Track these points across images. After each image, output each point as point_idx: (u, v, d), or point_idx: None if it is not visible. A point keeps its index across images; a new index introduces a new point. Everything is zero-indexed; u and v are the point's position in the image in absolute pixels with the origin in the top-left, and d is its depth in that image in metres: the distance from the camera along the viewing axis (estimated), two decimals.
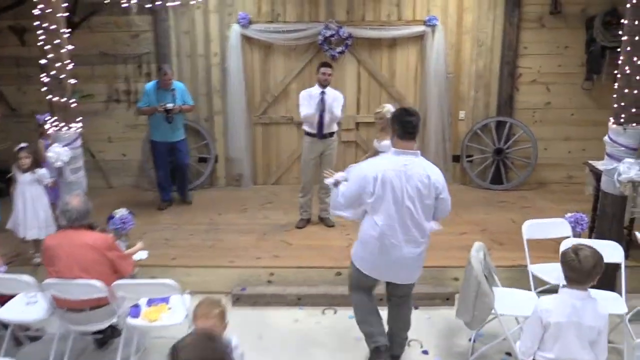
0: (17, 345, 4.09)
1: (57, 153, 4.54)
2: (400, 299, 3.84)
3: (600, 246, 3.79)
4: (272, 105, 7.42)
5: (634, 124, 4.31)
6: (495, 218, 6.20)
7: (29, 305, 3.81)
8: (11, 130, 7.03)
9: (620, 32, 4.53)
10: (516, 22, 7.04)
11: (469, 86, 7.32)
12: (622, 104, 4.32)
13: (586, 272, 2.69)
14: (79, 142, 4.83)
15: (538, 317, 2.83)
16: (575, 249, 2.74)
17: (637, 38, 4.18)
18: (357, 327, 4.25)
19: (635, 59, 4.19)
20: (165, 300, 3.81)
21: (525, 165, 7.35)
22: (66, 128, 4.65)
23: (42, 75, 4.61)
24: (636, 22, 4.16)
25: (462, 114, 7.41)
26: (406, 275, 3.65)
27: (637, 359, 3.15)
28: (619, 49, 4.48)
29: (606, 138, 4.51)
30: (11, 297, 3.88)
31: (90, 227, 3.71)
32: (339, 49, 7.05)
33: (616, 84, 4.41)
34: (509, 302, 3.80)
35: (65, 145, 4.64)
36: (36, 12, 4.43)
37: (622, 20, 4.41)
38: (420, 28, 7.04)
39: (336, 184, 3.90)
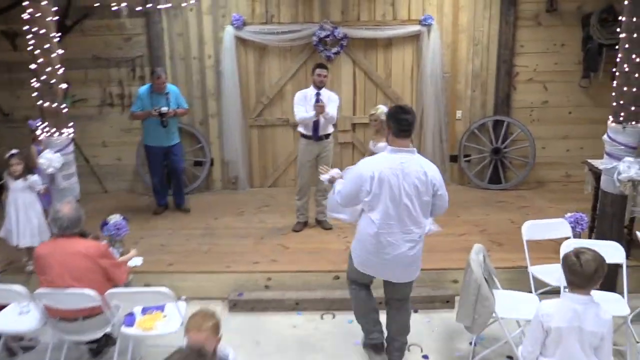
0: (11, 355, 4.03)
1: (49, 159, 4.47)
2: (399, 302, 3.79)
3: (601, 246, 3.76)
4: (268, 107, 7.36)
5: (633, 122, 4.25)
6: (494, 218, 6.15)
7: (21, 315, 3.75)
8: (4, 135, 6.98)
9: (617, 30, 4.51)
10: (512, 20, 7.00)
11: (466, 85, 7.28)
12: (621, 102, 4.27)
13: (588, 277, 2.64)
14: (71, 148, 4.75)
15: (539, 321, 2.78)
16: (577, 253, 2.69)
17: (635, 35, 4.13)
18: (357, 332, 4.24)
19: (633, 56, 4.14)
20: (160, 308, 3.75)
21: (524, 165, 7.31)
22: (58, 134, 4.57)
23: (32, 80, 4.53)
24: (634, 19, 4.11)
25: (459, 114, 7.37)
26: (403, 273, 3.61)
27: None
28: (616, 47, 4.43)
29: (605, 137, 4.45)
30: (3, 306, 3.82)
31: (83, 235, 3.64)
32: (334, 49, 7.00)
33: (615, 82, 4.36)
34: (510, 305, 3.75)
35: (57, 151, 4.56)
36: (25, 16, 4.36)
37: (620, 18, 4.37)
38: (415, 27, 7.00)
39: (331, 180, 3.90)
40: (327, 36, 6.91)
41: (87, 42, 7.03)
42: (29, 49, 4.47)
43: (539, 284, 4.19)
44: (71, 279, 3.38)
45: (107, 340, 3.93)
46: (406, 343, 3.91)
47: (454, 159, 7.44)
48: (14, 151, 4.80)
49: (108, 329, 3.65)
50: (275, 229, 5.95)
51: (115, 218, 4.92)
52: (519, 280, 4.50)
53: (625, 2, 4.20)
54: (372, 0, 6.99)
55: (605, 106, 6.51)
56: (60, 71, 4.56)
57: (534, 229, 4.30)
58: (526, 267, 4.24)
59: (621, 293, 3.93)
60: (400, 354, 3.86)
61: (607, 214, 4.53)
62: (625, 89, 4.23)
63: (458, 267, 4.62)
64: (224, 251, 5.40)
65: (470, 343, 4.08)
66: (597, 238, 4.60)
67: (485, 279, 3.59)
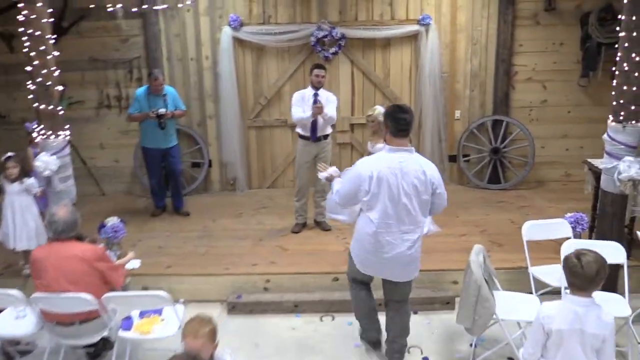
0: None
1: (45, 162, 4.43)
2: (398, 303, 3.76)
3: (601, 247, 3.74)
4: (266, 108, 7.33)
5: (634, 122, 4.23)
6: (494, 219, 6.12)
7: (18, 320, 3.73)
8: (1, 138, 6.95)
9: (616, 28, 4.48)
10: (510, 19, 6.98)
11: (465, 85, 7.25)
12: (621, 101, 4.24)
13: (589, 279, 2.60)
14: (67, 150, 4.72)
15: (540, 323, 2.75)
16: (578, 254, 2.65)
17: (635, 34, 4.10)
18: (356, 334, 4.24)
19: (633, 55, 4.11)
20: (158, 311, 3.71)
21: (523, 164, 7.28)
22: (54, 136, 4.54)
23: (28, 83, 4.50)
24: (634, 18, 4.09)
25: (457, 114, 7.34)
26: (402, 272, 3.59)
27: None
28: (615, 45, 4.41)
29: (605, 136, 4.43)
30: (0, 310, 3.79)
31: (80, 238, 3.61)
32: (332, 49, 6.97)
33: (614, 81, 4.33)
34: (510, 306, 3.73)
35: (54, 154, 4.52)
36: (20, 18, 4.32)
37: (619, 16, 4.34)
38: (413, 27, 6.97)
39: (329, 179, 3.90)
40: (325, 36, 6.89)
41: (83, 43, 6.99)
42: (24, 51, 4.44)
43: (540, 284, 4.16)
44: (67, 283, 3.35)
45: (105, 344, 3.90)
46: (406, 345, 3.88)
47: (453, 159, 7.41)
48: (10, 154, 4.76)
49: (105, 333, 3.63)
50: (273, 231, 5.92)
51: (112, 221, 4.90)
52: (519, 281, 4.48)
53: (625, 1, 4.18)
54: (369, 0, 6.96)
55: (604, 105, 6.51)
56: (56, 73, 4.52)
57: (534, 230, 4.27)
58: (526, 268, 4.22)
59: (622, 293, 3.90)
60: (400, 356, 3.83)
61: (607, 214, 4.50)
62: (625, 87, 4.20)
63: (458, 268, 4.59)
64: (222, 253, 5.37)
65: (471, 345, 4.04)
66: (597, 238, 4.58)
67: (486, 280, 3.56)
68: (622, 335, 3.81)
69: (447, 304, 4.65)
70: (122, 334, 3.61)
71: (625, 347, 3.81)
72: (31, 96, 4.53)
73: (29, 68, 4.43)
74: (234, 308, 4.71)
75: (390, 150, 3.46)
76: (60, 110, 4.62)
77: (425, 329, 4.38)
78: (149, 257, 5.22)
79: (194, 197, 7.14)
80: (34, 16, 4.31)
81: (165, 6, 5.79)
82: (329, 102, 5.60)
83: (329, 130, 5.72)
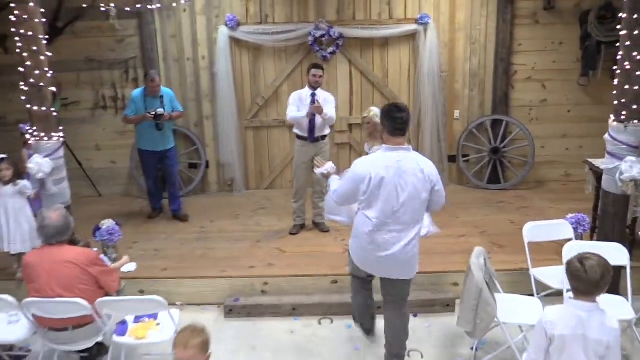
0: None
1: (39, 164, 4.36)
2: (396, 303, 3.70)
3: (603, 248, 3.70)
4: (263, 108, 7.27)
5: (635, 121, 4.16)
6: (494, 219, 6.06)
7: (10, 325, 3.68)
8: None
9: (615, 27, 4.43)
10: (509, 18, 6.92)
11: (464, 85, 7.20)
12: (623, 100, 4.18)
13: (594, 283, 2.54)
14: (61, 153, 4.63)
15: (542, 328, 2.69)
16: (581, 259, 2.59)
17: (636, 32, 4.03)
18: (355, 337, 4.23)
19: (635, 54, 4.04)
20: (153, 316, 3.65)
21: (523, 164, 7.23)
22: (47, 138, 4.46)
23: (20, 84, 4.43)
24: (635, 16, 4.02)
25: (457, 113, 7.29)
26: (400, 271, 3.56)
27: None
28: (617, 44, 4.35)
29: (607, 136, 4.36)
30: None
31: (73, 242, 3.55)
32: (330, 49, 6.92)
33: (616, 81, 4.27)
34: (512, 309, 3.68)
35: (47, 156, 4.44)
36: (13, 18, 4.26)
37: (620, 14, 4.28)
38: (412, 26, 6.91)
39: (326, 175, 3.90)
40: (323, 36, 6.83)
41: (79, 44, 6.93)
42: (17, 51, 4.37)
43: (541, 286, 4.11)
44: (60, 288, 3.29)
45: (99, 350, 3.82)
46: (406, 349, 3.81)
47: (452, 159, 7.36)
48: (2, 156, 4.70)
49: (100, 338, 3.57)
50: (272, 232, 5.86)
51: (107, 223, 4.86)
52: (520, 282, 4.43)
53: None
54: None
55: (604, 104, 6.48)
56: (49, 74, 4.45)
57: (535, 231, 4.23)
58: (527, 270, 4.17)
59: (625, 295, 3.85)
60: None
61: (609, 214, 4.44)
62: (626, 87, 4.14)
63: (458, 269, 4.56)
64: (219, 256, 5.31)
65: (472, 348, 4.00)
66: (599, 239, 4.52)
67: (487, 282, 3.51)
68: (625, 338, 3.76)
69: (447, 306, 4.59)
70: (117, 339, 3.55)
71: (627, 350, 3.76)
72: (24, 97, 4.45)
73: (21, 69, 4.35)
74: (232, 311, 4.65)
75: (388, 149, 3.45)
76: (53, 111, 4.55)
77: (425, 332, 4.33)
78: (145, 260, 5.17)
79: (191, 199, 7.08)
80: (26, 16, 4.23)
81: (158, 5, 5.70)
82: (327, 102, 5.54)
83: (327, 131, 5.66)
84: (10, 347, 4.01)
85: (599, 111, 6.78)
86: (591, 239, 4.89)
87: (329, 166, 3.95)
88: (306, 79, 5.67)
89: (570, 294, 2.73)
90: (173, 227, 6.14)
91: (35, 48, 4.30)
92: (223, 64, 6.91)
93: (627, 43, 4.11)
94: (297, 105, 5.50)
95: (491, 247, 5.15)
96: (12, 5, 4.26)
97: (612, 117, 4.31)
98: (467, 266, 3.61)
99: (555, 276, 4.03)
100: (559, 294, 3.91)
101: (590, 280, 2.54)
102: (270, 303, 4.68)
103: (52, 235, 3.33)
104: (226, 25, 6.84)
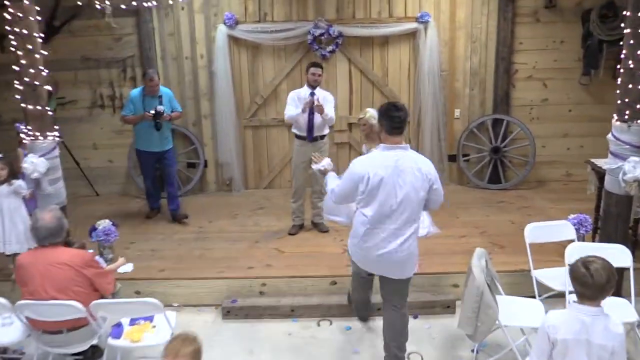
0: None
1: (34, 164, 4.30)
2: (394, 303, 3.65)
3: (606, 250, 3.66)
4: (262, 107, 7.21)
5: (639, 121, 4.11)
6: (494, 219, 6.01)
7: (4, 327, 3.64)
8: None
9: (617, 25, 4.39)
10: (510, 16, 6.86)
11: (464, 84, 7.14)
12: (626, 99, 4.12)
13: (600, 287, 2.49)
14: (56, 152, 4.57)
15: (545, 332, 2.63)
16: (585, 263, 2.53)
17: None
18: (354, 339, 4.19)
19: (638, 52, 3.99)
20: (149, 318, 3.60)
21: (524, 164, 7.17)
22: (42, 137, 4.40)
23: (15, 82, 4.37)
24: (639, 14, 3.97)
25: (457, 113, 7.23)
26: (397, 269, 3.53)
27: None
28: (619, 43, 4.30)
29: (609, 136, 4.31)
30: None
31: (67, 244, 3.49)
32: (329, 48, 6.85)
33: (619, 80, 4.22)
34: (514, 312, 3.63)
35: (42, 156, 4.38)
36: (8, 16, 4.20)
37: (624, 12, 4.22)
38: (412, 25, 6.85)
39: (323, 172, 3.89)
40: (322, 34, 6.77)
41: (76, 42, 6.87)
42: (12, 49, 4.32)
43: (543, 288, 4.06)
44: (54, 290, 3.23)
45: (94, 352, 3.76)
46: (405, 351, 3.75)
47: (452, 158, 7.30)
48: None
49: (94, 341, 3.52)
50: (270, 232, 5.80)
51: (104, 224, 4.81)
52: (521, 284, 4.39)
53: None
54: None
55: (606, 103, 6.43)
56: (44, 73, 4.39)
57: (536, 232, 4.18)
58: (529, 271, 4.13)
59: (628, 297, 3.79)
60: None
61: (611, 215, 4.39)
62: (630, 86, 4.09)
63: (458, 270, 4.51)
64: (217, 256, 5.26)
65: (472, 350, 3.96)
66: (602, 240, 4.48)
67: (488, 284, 3.45)
68: (628, 341, 3.68)
69: (447, 307, 4.54)
70: (112, 341, 3.50)
71: (632, 353, 3.70)
72: (19, 96, 4.40)
73: (16, 67, 4.30)
74: (229, 313, 4.60)
75: (386, 149, 3.45)
76: (48, 110, 4.49)
77: (425, 334, 4.27)
78: (142, 260, 5.12)
79: (189, 198, 7.03)
80: (21, 14, 4.17)
81: (154, 3, 5.64)
82: (327, 101, 5.48)
83: (325, 131, 5.61)
84: (4, 350, 3.95)
85: (600, 110, 6.73)
86: (593, 240, 4.84)
87: (326, 162, 3.93)
88: (305, 78, 5.61)
89: (573, 298, 2.67)
90: (171, 227, 6.09)
91: (30, 46, 4.24)
92: (221, 63, 6.85)
93: (631, 41, 4.06)
94: (295, 105, 5.44)
95: (492, 248, 5.09)
96: (7, 3, 4.20)
97: (615, 116, 4.26)
98: (468, 268, 3.57)
99: (557, 278, 3.99)
100: (561, 295, 3.86)
101: (597, 285, 2.49)
102: (268, 304, 4.63)
103: (45, 237, 3.28)
104: (225, 23, 6.78)
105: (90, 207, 6.57)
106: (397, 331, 3.69)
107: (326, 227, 5.74)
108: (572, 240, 4.17)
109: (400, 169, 3.36)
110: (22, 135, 4.68)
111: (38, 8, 4.35)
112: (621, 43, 4.23)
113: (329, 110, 5.44)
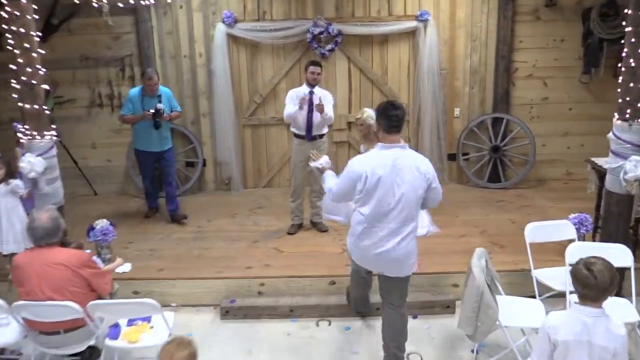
0: None
1: (31, 163, 4.27)
2: (393, 302, 3.63)
3: (607, 249, 3.64)
4: (261, 106, 7.18)
5: None
6: (494, 219, 5.98)
7: (1, 328, 3.62)
8: None
9: (618, 24, 4.36)
10: (510, 15, 6.83)
11: (464, 82, 7.11)
12: (627, 98, 4.10)
13: (603, 289, 2.47)
14: (54, 152, 4.54)
15: (546, 333, 2.61)
16: (587, 265, 2.51)
17: None
18: (353, 340, 4.17)
19: None
20: (147, 319, 3.58)
21: (524, 163, 7.14)
22: (39, 137, 4.37)
23: (12, 81, 4.35)
24: None
25: (457, 111, 7.20)
26: (396, 267, 3.52)
27: None
28: (619, 41, 4.27)
29: (610, 135, 4.29)
30: None
31: (64, 244, 3.46)
32: (329, 46, 6.82)
33: (620, 78, 4.19)
34: (514, 312, 3.61)
35: (39, 155, 4.36)
36: (5, 14, 4.17)
37: (625, 11, 4.19)
38: (412, 23, 6.81)
39: (321, 170, 3.89)
40: (321, 33, 6.74)
41: (74, 41, 6.83)
42: (9, 48, 4.29)
43: (543, 288, 4.04)
44: (50, 291, 3.21)
45: (92, 353, 3.74)
46: (404, 351, 3.73)
47: (452, 157, 7.27)
48: None
49: (92, 342, 3.50)
50: (269, 232, 5.78)
51: (101, 223, 4.78)
52: (521, 284, 4.38)
53: None
54: None
55: (606, 102, 6.41)
56: (42, 71, 4.36)
57: (537, 231, 4.16)
58: (529, 271, 4.11)
59: (629, 297, 3.77)
60: None
61: (612, 214, 4.37)
62: (631, 84, 4.06)
63: (458, 270, 4.49)
64: (216, 256, 5.24)
65: (472, 351, 3.95)
66: (602, 240, 4.46)
67: (488, 284, 3.43)
68: (629, 341, 3.64)
69: (447, 307, 4.52)
70: (110, 342, 3.49)
71: (633, 354, 3.68)
72: (16, 95, 4.37)
73: (14, 66, 4.27)
74: (228, 313, 4.58)
75: (384, 147, 3.45)
76: (46, 109, 4.46)
77: (425, 334, 4.26)
78: (141, 260, 5.10)
79: (188, 197, 7.00)
80: (18, 13, 4.14)
81: (152, 1, 5.61)
82: (326, 101, 5.45)
83: (324, 130, 5.58)
84: (1, 351, 3.93)
85: (600, 109, 6.70)
86: (593, 240, 4.81)
87: (324, 160, 3.92)
88: (304, 77, 5.58)
89: (574, 298, 2.65)
90: (169, 226, 6.06)
91: (27, 45, 4.21)
92: (220, 61, 6.81)
93: (632, 40, 4.04)
94: (294, 104, 5.41)
95: (491, 247, 5.07)
96: (4, 1, 4.17)
97: (616, 115, 4.24)
98: (468, 267, 3.55)
99: (557, 277, 3.97)
100: (561, 295, 3.84)
101: (600, 286, 2.47)
102: (267, 304, 4.61)
103: (41, 237, 3.25)
104: (223, 22, 6.74)
105: (89, 207, 6.55)
106: (396, 331, 3.68)
107: (325, 226, 5.71)
108: (573, 240, 4.15)
109: (399, 167, 3.36)
110: (20, 135, 4.65)
111: (35, 6, 4.32)
112: (622, 41, 4.20)
113: (328, 110, 5.41)
